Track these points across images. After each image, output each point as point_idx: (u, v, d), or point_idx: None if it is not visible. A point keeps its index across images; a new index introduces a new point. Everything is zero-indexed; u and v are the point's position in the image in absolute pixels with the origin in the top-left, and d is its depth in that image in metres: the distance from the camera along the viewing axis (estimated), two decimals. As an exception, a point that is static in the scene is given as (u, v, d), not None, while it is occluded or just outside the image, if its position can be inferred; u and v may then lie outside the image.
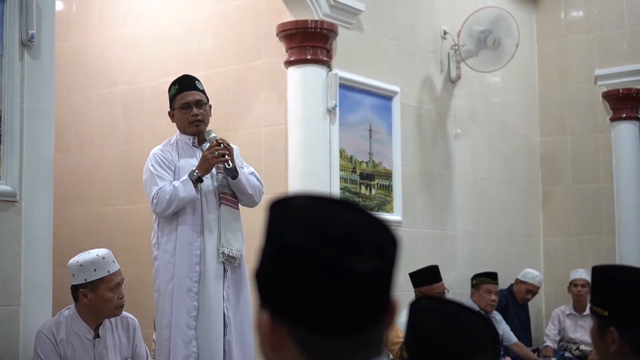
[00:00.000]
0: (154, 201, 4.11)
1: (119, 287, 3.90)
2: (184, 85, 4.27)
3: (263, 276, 1.13)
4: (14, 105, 3.96)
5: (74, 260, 3.90)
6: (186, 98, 4.22)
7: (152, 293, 4.40)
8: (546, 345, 7.05)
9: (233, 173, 4.12)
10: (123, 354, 4.02)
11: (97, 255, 3.89)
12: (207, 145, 4.20)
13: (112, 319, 4.00)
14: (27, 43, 4.02)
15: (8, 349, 3.88)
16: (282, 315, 1.10)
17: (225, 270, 4.16)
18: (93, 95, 6.63)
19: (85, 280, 3.84)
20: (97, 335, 3.94)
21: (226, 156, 4.09)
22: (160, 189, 4.10)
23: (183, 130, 4.29)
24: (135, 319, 4.13)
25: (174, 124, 4.36)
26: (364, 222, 1.12)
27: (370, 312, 1.10)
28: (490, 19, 6.63)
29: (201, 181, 4.13)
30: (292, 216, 1.11)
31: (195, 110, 4.21)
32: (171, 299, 4.09)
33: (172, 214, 4.14)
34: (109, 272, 3.86)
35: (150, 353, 4.78)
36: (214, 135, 4.20)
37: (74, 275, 3.88)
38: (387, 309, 1.13)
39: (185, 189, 4.08)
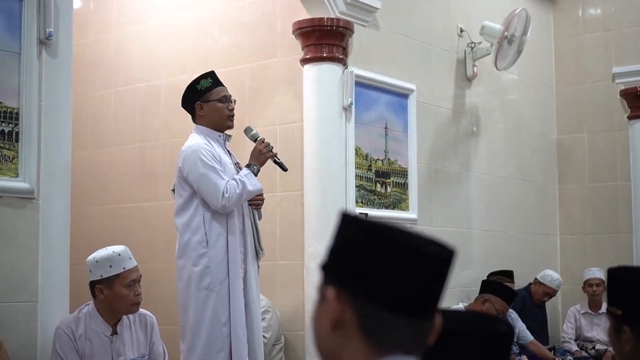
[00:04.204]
0: (226, 195, 4.04)
1: (136, 284, 3.91)
2: (217, 80, 4.29)
3: (339, 254, 1.25)
4: (32, 103, 3.98)
5: (91, 256, 3.93)
6: (224, 92, 4.28)
7: (169, 289, 4.41)
8: (575, 350, 7.02)
9: (284, 165, 4.35)
10: (140, 350, 4.03)
11: (113, 251, 3.92)
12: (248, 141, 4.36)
13: (130, 316, 4.01)
14: (45, 41, 4.04)
15: (26, 345, 3.91)
16: (352, 287, 1.21)
17: (258, 267, 4.30)
18: (110, 92, 6.66)
19: (101, 276, 3.87)
20: (114, 332, 3.95)
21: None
22: (227, 183, 4.08)
23: (216, 122, 4.25)
24: (153, 316, 4.14)
25: (189, 121, 4.36)
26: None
27: (431, 296, 1.23)
28: (516, 20, 6.59)
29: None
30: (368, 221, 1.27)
31: (233, 105, 4.28)
32: (227, 297, 4.09)
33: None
34: (124, 268, 3.88)
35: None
36: (256, 131, 4.38)
37: (91, 271, 3.90)
38: (438, 304, 1.25)
39: (251, 182, 4.13)
